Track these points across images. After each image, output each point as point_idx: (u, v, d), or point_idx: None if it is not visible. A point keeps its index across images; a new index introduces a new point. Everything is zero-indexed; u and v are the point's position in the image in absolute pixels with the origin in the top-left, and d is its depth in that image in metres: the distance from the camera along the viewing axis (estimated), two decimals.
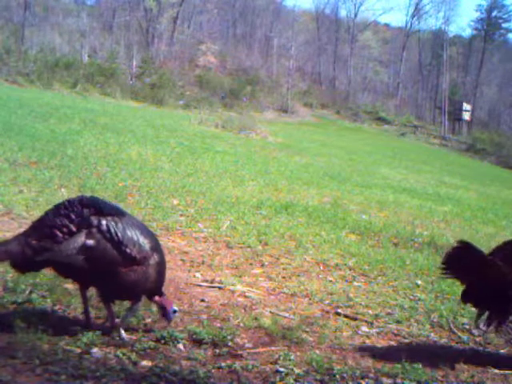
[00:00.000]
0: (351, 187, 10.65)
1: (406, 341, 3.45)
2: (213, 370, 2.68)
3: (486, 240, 6.72)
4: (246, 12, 52.97)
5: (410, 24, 56.07)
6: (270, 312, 3.63)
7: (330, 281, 4.51)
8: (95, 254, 2.73)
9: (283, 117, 36.59)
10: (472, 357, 3.28)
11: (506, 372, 3.10)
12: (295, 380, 2.69)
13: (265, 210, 6.94)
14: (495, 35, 57.79)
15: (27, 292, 3.29)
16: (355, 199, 9.18)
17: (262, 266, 4.70)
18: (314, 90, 46.44)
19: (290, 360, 2.90)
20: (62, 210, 2.78)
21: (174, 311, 3.06)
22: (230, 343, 3.01)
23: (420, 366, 2.97)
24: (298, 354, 3.02)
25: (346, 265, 5.00)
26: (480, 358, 3.27)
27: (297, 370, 2.78)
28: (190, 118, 21.89)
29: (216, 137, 16.80)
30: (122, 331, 2.90)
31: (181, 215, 6.04)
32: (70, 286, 3.44)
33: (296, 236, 5.78)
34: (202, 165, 10.26)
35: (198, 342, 2.98)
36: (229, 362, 2.79)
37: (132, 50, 32.91)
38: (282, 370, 2.77)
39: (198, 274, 4.23)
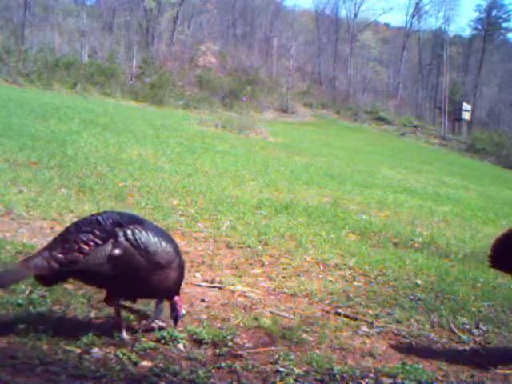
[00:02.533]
0: (351, 187, 10.65)
1: (406, 341, 3.46)
2: (213, 370, 2.68)
3: (487, 240, 6.71)
4: (245, 12, 53.03)
5: (409, 24, 56.21)
6: (270, 312, 3.63)
7: (330, 281, 4.51)
8: (123, 261, 2.76)
9: (283, 117, 36.57)
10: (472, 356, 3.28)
11: (506, 372, 3.10)
12: (295, 380, 2.69)
13: (265, 210, 6.94)
14: (495, 35, 57.86)
15: (27, 292, 3.29)
16: (355, 199, 9.17)
17: (262, 265, 4.69)
18: (313, 90, 46.44)
19: (290, 360, 2.90)
20: (83, 226, 2.80)
21: (183, 315, 3.09)
22: (230, 343, 3.01)
23: (420, 366, 2.97)
24: (298, 353, 3.02)
25: (346, 265, 5.00)
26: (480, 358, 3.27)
27: (297, 370, 2.78)
28: (189, 118, 21.91)
29: (216, 137, 16.79)
30: (123, 331, 2.90)
31: (181, 215, 6.04)
32: (70, 286, 3.44)
33: (296, 236, 5.78)
34: (202, 165, 10.25)
35: (198, 342, 2.98)
36: (229, 361, 2.79)
37: (132, 50, 32.90)
38: (282, 369, 2.77)
39: (197, 274, 4.23)
